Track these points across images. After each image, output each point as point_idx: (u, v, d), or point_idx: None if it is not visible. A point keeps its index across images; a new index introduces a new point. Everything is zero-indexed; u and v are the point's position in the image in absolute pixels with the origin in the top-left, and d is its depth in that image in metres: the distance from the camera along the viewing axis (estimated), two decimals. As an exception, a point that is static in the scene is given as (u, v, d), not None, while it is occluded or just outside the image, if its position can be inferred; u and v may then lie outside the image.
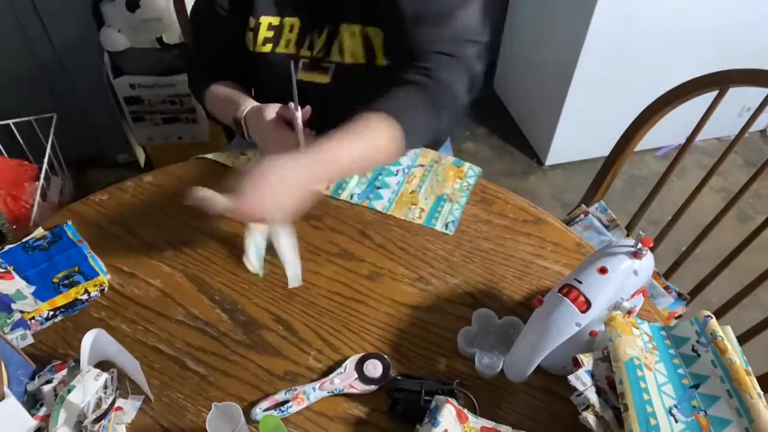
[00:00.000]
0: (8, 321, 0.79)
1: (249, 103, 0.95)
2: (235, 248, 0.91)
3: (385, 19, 0.93)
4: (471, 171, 1.04)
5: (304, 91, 0.88)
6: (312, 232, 0.93)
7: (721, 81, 0.99)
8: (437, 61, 0.88)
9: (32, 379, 0.70)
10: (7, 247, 0.88)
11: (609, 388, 0.66)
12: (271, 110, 0.90)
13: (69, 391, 0.67)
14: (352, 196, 0.98)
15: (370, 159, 0.83)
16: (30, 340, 0.79)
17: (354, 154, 0.79)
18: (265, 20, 0.98)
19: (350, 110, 0.84)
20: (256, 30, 0.98)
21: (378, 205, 0.97)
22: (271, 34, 0.98)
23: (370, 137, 0.81)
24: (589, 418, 0.64)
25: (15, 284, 0.82)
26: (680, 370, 0.67)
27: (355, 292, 0.86)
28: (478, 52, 0.91)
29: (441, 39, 0.88)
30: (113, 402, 0.68)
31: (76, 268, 0.85)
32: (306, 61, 0.99)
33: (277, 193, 0.73)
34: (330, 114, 0.85)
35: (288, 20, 0.98)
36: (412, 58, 0.89)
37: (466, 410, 0.68)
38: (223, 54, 1.05)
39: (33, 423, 0.66)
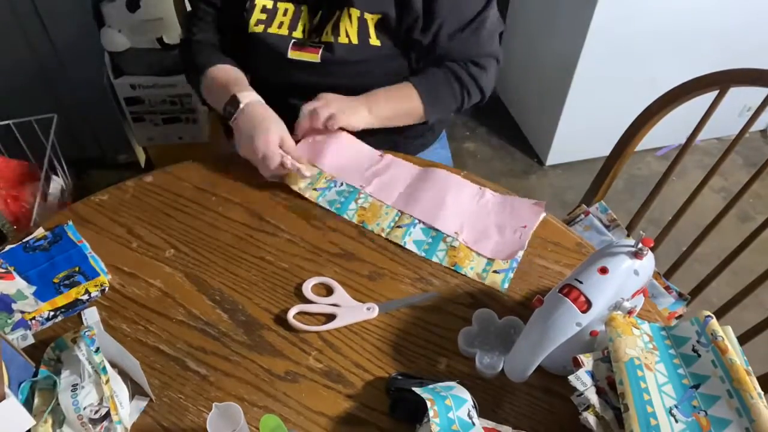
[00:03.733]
0: (9, 321, 0.79)
1: (252, 94, 0.99)
2: (235, 248, 0.91)
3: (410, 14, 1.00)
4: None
5: (294, 68, 1.04)
6: (312, 232, 0.93)
7: (721, 81, 0.99)
8: (473, 61, 1.05)
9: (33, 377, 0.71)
10: (7, 248, 0.88)
11: (609, 388, 0.66)
12: (276, 136, 0.95)
13: (74, 390, 0.67)
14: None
15: (395, 117, 1.05)
16: (31, 340, 0.79)
17: (388, 109, 1.03)
18: (260, 3, 1.02)
19: (338, 89, 1.02)
20: (250, 11, 1.02)
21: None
22: (264, 16, 1.03)
23: (401, 101, 1.04)
24: (590, 418, 0.64)
25: (16, 284, 0.82)
26: (680, 370, 0.67)
27: (356, 292, 0.86)
28: (498, 41, 1.08)
29: (475, 45, 1.05)
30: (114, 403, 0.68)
31: (77, 269, 0.85)
32: (296, 41, 1.03)
33: (343, 103, 1.00)
34: (318, 90, 1.03)
35: (282, 5, 1.03)
36: (444, 59, 1.05)
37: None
38: (221, 32, 1.09)
39: (33, 423, 0.66)
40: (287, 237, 0.92)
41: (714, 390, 0.64)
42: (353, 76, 1.05)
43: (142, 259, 0.89)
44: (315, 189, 0.98)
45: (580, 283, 0.67)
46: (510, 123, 2.33)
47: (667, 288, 1.08)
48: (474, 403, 0.68)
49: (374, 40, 1.01)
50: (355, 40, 1.00)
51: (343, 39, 1.00)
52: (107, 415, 0.67)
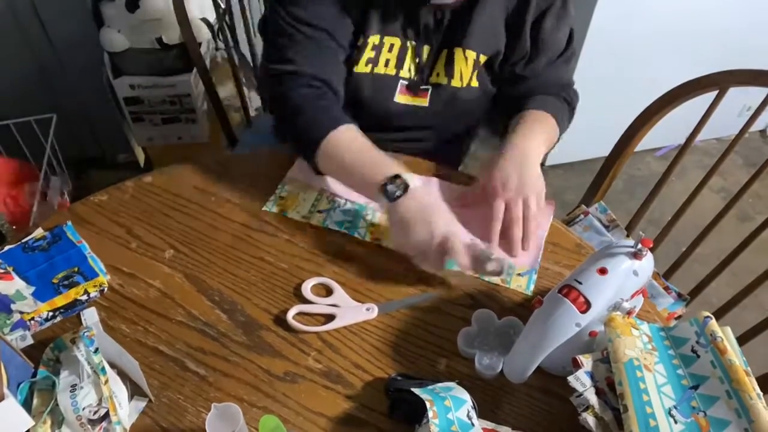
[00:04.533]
0: (7, 322, 0.79)
1: (412, 175, 0.86)
2: (235, 249, 0.91)
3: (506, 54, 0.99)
4: None
5: (401, 113, 0.96)
6: (311, 233, 0.93)
7: (721, 81, 0.99)
8: (563, 87, 1.05)
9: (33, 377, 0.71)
10: (6, 248, 0.87)
11: (608, 389, 0.66)
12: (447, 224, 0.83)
13: (74, 391, 0.67)
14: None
15: (548, 144, 0.98)
16: (29, 341, 0.79)
17: (541, 143, 0.95)
18: (372, 39, 0.94)
19: (441, 131, 1.02)
20: (362, 48, 0.94)
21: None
22: (373, 54, 0.95)
23: (549, 134, 0.98)
24: (589, 419, 0.64)
25: (14, 285, 0.81)
26: (680, 371, 0.67)
27: (355, 292, 0.86)
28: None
29: (566, 73, 1.05)
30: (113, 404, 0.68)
31: (76, 269, 0.85)
32: (405, 83, 0.99)
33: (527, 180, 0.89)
34: (421, 132, 1.02)
35: (388, 39, 0.95)
36: (537, 89, 1.02)
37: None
38: (327, 80, 0.92)
39: (32, 423, 0.66)
40: (286, 237, 0.92)
41: (713, 391, 0.64)
42: (452, 119, 1.02)
43: (142, 260, 0.89)
44: (319, 212, 0.95)
45: (580, 283, 0.67)
46: (510, 123, 2.33)
47: (666, 288, 1.08)
48: (473, 404, 0.67)
49: (474, 81, 1.00)
50: (467, 83, 0.97)
51: (456, 82, 0.97)
52: (106, 415, 0.67)
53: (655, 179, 1.11)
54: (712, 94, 1.01)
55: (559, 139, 1.04)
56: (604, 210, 1.16)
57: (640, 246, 0.68)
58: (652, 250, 0.70)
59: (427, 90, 0.99)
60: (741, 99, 1.96)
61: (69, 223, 0.91)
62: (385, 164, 0.86)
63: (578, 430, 0.66)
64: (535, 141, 0.93)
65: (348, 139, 0.89)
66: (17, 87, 1.75)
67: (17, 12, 1.62)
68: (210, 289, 0.86)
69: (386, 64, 0.96)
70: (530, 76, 1.02)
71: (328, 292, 0.86)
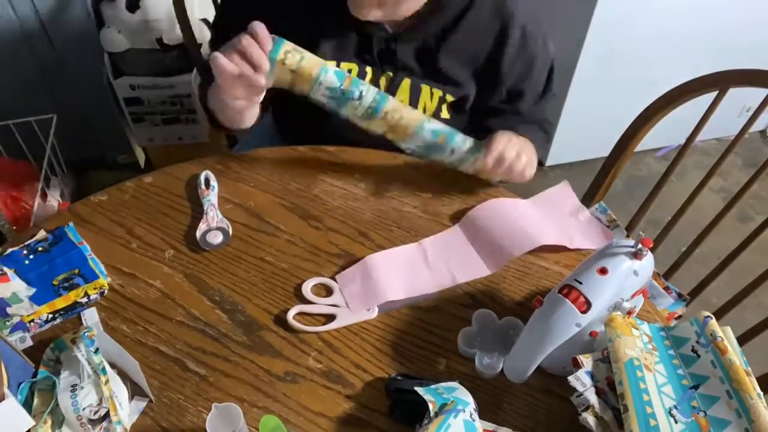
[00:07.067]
0: (7, 324, 0.78)
1: None
2: (235, 249, 0.91)
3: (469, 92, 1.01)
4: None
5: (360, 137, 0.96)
6: (312, 233, 0.93)
7: (721, 81, 0.99)
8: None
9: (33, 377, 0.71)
10: (9, 250, 0.87)
11: (609, 388, 0.66)
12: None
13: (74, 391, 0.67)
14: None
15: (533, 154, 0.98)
16: (29, 342, 0.79)
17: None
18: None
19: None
20: None
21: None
22: None
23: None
24: (589, 419, 0.64)
25: (10, 287, 0.81)
26: (680, 371, 0.67)
27: (355, 292, 0.86)
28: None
29: (545, 111, 1.09)
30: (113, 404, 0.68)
31: (76, 271, 0.84)
32: None
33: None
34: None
35: (345, 65, 0.97)
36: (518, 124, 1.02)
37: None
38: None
39: (32, 423, 0.66)
40: (287, 237, 0.92)
41: (713, 390, 0.64)
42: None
43: (142, 260, 0.89)
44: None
45: (580, 283, 0.67)
46: (510, 123, 2.33)
47: (666, 288, 1.08)
48: (475, 406, 0.67)
49: (445, 114, 1.02)
50: (434, 114, 1.00)
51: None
52: (106, 415, 0.68)
53: (655, 179, 1.11)
54: (711, 95, 1.01)
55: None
56: (604, 210, 1.16)
57: (640, 246, 0.68)
58: (652, 250, 0.70)
59: None
60: (741, 99, 1.95)
61: (71, 224, 0.91)
62: None
63: (578, 430, 0.66)
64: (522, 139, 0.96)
65: None
66: (17, 87, 1.75)
67: (17, 12, 1.62)
68: (210, 289, 0.86)
69: None
70: (509, 111, 1.05)
71: (328, 292, 0.86)
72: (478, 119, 1.07)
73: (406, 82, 1.00)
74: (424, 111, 1.00)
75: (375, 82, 0.99)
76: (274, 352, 0.79)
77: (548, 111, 1.11)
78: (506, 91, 1.03)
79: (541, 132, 1.09)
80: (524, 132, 0.98)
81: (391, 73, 1.00)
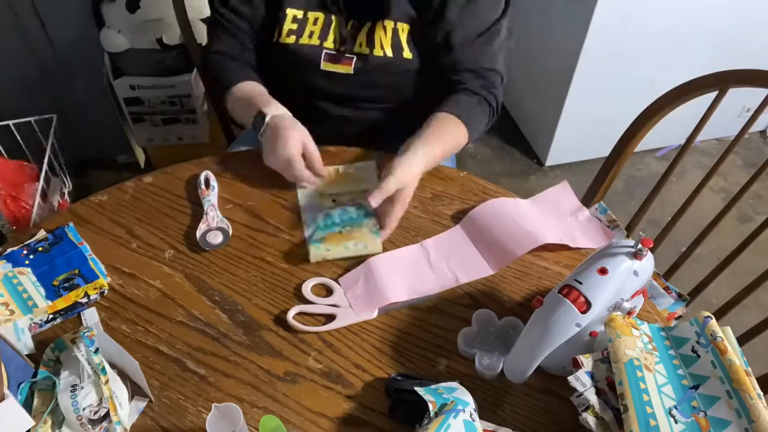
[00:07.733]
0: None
1: (278, 107, 0.97)
2: (235, 249, 0.91)
3: (428, 23, 1.01)
4: None
5: (327, 78, 1.04)
6: (312, 233, 0.93)
7: (721, 81, 0.99)
8: (481, 73, 1.04)
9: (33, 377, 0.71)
10: (9, 250, 0.87)
11: (609, 389, 0.66)
12: (297, 141, 0.92)
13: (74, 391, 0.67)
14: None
15: (450, 151, 1.01)
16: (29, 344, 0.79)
17: (443, 149, 0.97)
18: (291, 12, 1.02)
19: (372, 100, 1.07)
20: (282, 20, 1.02)
21: None
22: (295, 26, 1.03)
23: (449, 135, 0.99)
24: (589, 419, 0.64)
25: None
26: (680, 371, 0.67)
27: (355, 292, 0.86)
28: (508, 56, 1.09)
29: (485, 55, 1.04)
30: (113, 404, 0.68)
31: (77, 271, 0.84)
32: (330, 53, 1.03)
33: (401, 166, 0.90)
34: (351, 102, 1.06)
35: (312, 14, 1.03)
36: (455, 66, 1.03)
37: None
38: (243, 43, 1.07)
39: (32, 423, 0.66)
40: (287, 237, 0.92)
41: (713, 391, 0.64)
42: (387, 88, 1.07)
43: (142, 260, 0.89)
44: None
45: (580, 283, 0.67)
46: (509, 124, 2.33)
47: (666, 288, 1.08)
48: (475, 406, 0.67)
49: (407, 53, 1.02)
50: (390, 53, 1.01)
51: (378, 51, 1.01)
52: (106, 415, 0.68)
53: (655, 179, 1.11)
54: (711, 95, 1.01)
55: (472, 139, 1.04)
56: (604, 210, 1.16)
57: (640, 246, 0.68)
58: (652, 250, 0.70)
59: (351, 59, 1.03)
60: (741, 99, 1.95)
61: (71, 224, 0.91)
62: (254, 106, 0.98)
63: (579, 430, 0.66)
64: (432, 147, 0.95)
65: (242, 92, 1.03)
66: (17, 87, 1.75)
67: (17, 12, 1.62)
68: (210, 289, 0.86)
69: (310, 36, 1.03)
70: (449, 48, 1.02)
71: (328, 292, 0.86)
72: (433, 65, 1.05)
73: (367, 26, 1.02)
74: (381, 47, 1.01)
75: (340, 27, 1.03)
76: (274, 352, 0.79)
77: (492, 57, 1.05)
78: (444, 15, 1.00)
79: (484, 106, 1.04)
80: (463, 115, 0.99)
81: (354, 20, 1.03)
